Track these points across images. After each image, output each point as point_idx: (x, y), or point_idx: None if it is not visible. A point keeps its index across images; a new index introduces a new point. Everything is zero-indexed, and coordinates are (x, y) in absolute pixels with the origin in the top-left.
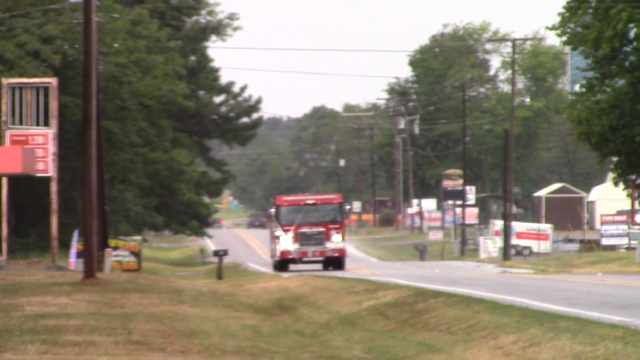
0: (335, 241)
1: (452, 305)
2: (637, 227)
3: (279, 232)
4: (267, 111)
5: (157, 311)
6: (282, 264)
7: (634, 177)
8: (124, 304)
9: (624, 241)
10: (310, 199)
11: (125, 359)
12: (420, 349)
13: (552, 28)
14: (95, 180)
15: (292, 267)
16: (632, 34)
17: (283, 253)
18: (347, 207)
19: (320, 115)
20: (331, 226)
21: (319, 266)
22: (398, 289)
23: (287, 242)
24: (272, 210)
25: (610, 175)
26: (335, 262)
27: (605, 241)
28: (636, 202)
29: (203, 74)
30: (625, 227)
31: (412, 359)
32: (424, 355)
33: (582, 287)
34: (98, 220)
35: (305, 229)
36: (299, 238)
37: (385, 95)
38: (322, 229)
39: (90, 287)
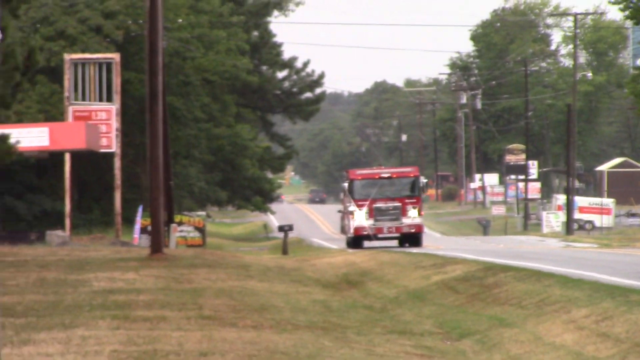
0: (412, 216)
1: (521, 280)
2: None
3: (352, 207)
4: (328, 86)
5: (225, 286)
6: (356, 240)
7: None
8: (192, 279)
9: None
10: (385, 172)
11: (199, 334)
12: (492, 323)
13: (615, 2)
14: (162, 156)
15: (366, 244)
16: None
17: (357, 229)
18: (424, 180)
19: (381, 90)
20: (407, 201)
21: (395, 243)
22: (466, 263)
23: (361, 218)
24: (345, 184)
25: None
26: (411, 238)
27: None
28: None
29: (266, 49)
30: None
31: (484, 333)
32: (496, 329)
33: None
34: (164, 195)
35: (380, 204)
36: (374, 213)
37: (447, 70)
38: (397, 204)
39: (157, 263)
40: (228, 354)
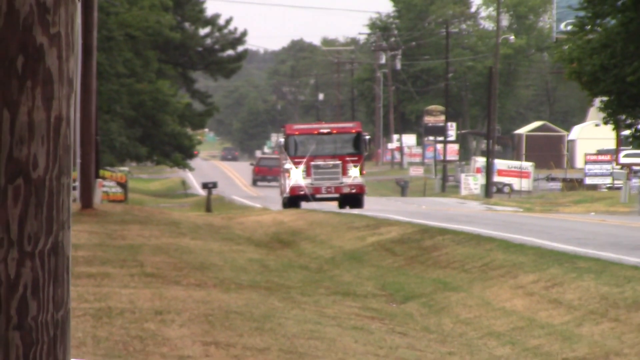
0: (353, 176)
1: (461, 243)
2: (619, 167)
3: (288, 165)
4: (247, 44)
5: (160, 243)
6: (292, 200)
7: (624, 117)
8: (125, 235)
9: (607, 181)
10: (324, 127)
11: (148, 292)
12: (436, 286)
13: None
14: (93, 113)
15: (303, 205)
16: None
17: (293, 189)
18: (367, 137)
19: (298, 48)
20: (348, 159)
21: (334, 205)
22: (400, 225)
23: (298, 177)
24: (281, 140)
25: (592, 114)
26: (352, 199)
27: (588, 180)
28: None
29: (189, 6)
30: (609, 166)
31: (429, 296)
32: (441, 292)
33: (586, 227)
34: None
35: (318, 162)
36: (312, 172)
37: (367, 31)
38: (337, 162)
39: (89, 218)
40: (183, 313)
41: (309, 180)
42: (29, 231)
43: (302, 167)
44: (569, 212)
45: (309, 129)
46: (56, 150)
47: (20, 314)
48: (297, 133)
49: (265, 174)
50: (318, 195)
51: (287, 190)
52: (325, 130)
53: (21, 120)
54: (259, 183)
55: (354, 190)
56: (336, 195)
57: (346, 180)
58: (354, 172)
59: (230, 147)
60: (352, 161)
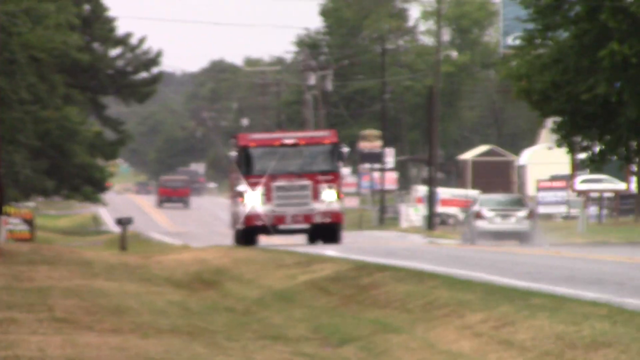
0: (327, 200)
1: (402, 280)
2: (575, 194)
3: (242, 186)
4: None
5: (72, 285)
6: (248, 233)
7: (579, 139)
8: (33, 277)
9: (562, 209)
10: (289, 137)
11: (59, 338)
12: (375, 327)
13: None
14: None
15: (263, 240)
16: None
17: (249, 218)
18: (346, 149)
19: (219, 70)
20: (321, 178)
21: (302, 238)
22: (335, 261)
23: (254, 202)
24: (233, 153)
25: (544, 137)
26: (326, 231)
27: (542, 209)
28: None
29: (98, 24)
30: (564, 194)
31: (367, 339)
32: (381, 334)
33: (539, 260)
34: None
35: (282, 182)
36: (273, 195)
37: (294, 48)
38: (307, 182)
39: None
40: None
41: (269, 207)
42: None
43: (260, 189)
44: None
45: (269, 139)
46: None
47: None
48: (253, 145)
49: (170, 194)
50: (282, 226)
51: (241, 220)
52: (290, 141)
53: None
54: (165, 204)
55: (328, 220)
56: (305, 225)
57: (318, 207)
58: (328, 195)
59: (143, 182)
60: (326, 180)
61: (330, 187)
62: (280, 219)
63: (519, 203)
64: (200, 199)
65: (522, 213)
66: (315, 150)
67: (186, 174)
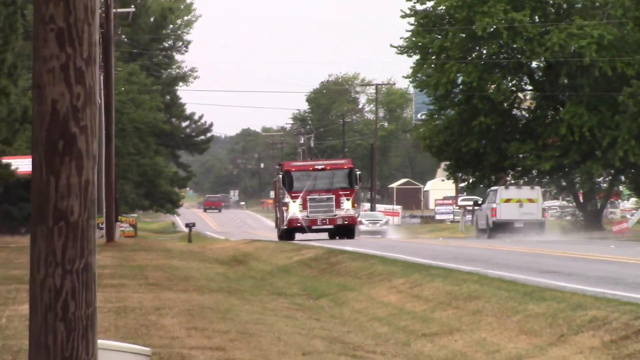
0: (345, 208)
1: (354, 259)
2: (457, 207)
3: (286, 199)
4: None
5: (158, 263)
6: (289, 232)
7: (460, 174)
8: (135, 258)
9: (450, 217)
10: (319, 164)
11: (150, 295)
12: (339, 288)
13: (407, 77)
14: (113, 179)
15: (298, 236)
16: (459, 80)
17: (291, 221)
18: (358, 172)
19: (247, 134)
20: (341, 193)
21: (326, 235)
22: (315, 248)
23: (295, 210)
24: (279, 176)
25: (439, 173)
26: (345, 230)
27: (438, 217)
28: (462, 191)
29: (174, 107)
30: (451, 207)
31: (334, 295)
32: (342, 292)
33: (437, 247)
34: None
35: (314, 195)
36: (307, 205)
37: (291, 121)
38: (331, 195)
39: (111, 248)
40: (174, 309)
41: (305, 213)
42: (69, 256)
43: (299, 200)
44: (425, 238)
45: (304, 165)
46: (86, 202)
47: (64, 311)
48: (294, 170)
49: (210, 205)
50: (314, 227)
51: (285, 222)
52: (319, 167)
53: (62, 183)
54: (208, 210)
55: (346, 222)
56: (331, 226)
57: (339, 213)
58: (346, 204)
59: (201, 202)
60: (345, 195)
61: (347, 199)
62: (313, 221)
63: (381, 217)
64: (230, 211)
65: (382, 222)
66: (337, 173)
67: (222, 197)
